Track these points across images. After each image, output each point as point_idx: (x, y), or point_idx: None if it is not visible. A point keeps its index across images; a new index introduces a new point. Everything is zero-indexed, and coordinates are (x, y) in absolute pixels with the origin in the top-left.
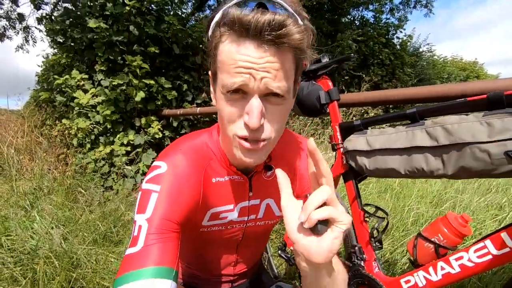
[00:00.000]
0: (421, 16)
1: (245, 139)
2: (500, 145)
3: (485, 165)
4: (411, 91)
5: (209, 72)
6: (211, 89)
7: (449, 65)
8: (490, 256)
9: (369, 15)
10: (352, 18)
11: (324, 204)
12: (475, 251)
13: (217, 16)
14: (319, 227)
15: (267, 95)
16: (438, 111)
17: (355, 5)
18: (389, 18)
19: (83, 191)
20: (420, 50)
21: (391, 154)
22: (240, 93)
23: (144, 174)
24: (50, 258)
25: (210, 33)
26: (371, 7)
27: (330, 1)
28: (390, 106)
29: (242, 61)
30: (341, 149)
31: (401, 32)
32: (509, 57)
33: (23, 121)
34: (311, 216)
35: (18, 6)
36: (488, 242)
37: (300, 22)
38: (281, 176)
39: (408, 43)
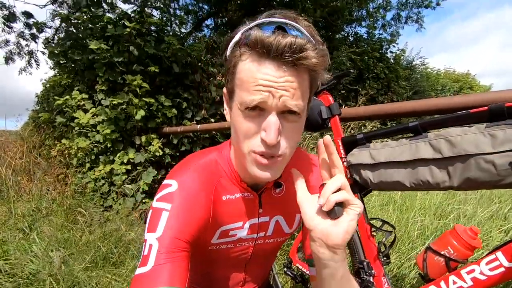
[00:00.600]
0: (413, 30)
1: (262, 155)
2: (505, 156)
3: (491, 176)
4: (411, 104)
5: (224, 90)
6: (225, 106)
7: (442, 77)
8: (502, 269)
9: (362, 31)
10: (346, 34)
11: (339, 190)
12: (487, 263)
13: (237, 37)
14: (337, 209)
15: (284, 113)
16: (440, 123)
17: (348, 22)
18: (382, 34)
19: (83, 211)
20: (414, 63)
21: (396, 167)
22: (257, 110)
23: (144, 192)
24: (51, 283)
25: (228, 52)
26: (364, 23)
27: (324, 19)
28: (387, 119)
29: (262, 79)
30: (345, 163)
31: (394, 46)
32: (501, 68)
33: (22, 142)
34: (330, 199)
35: (36, 42)
36: (499, 254)
37: (317, 46)
38: (296, 173)
39: (402, 57)
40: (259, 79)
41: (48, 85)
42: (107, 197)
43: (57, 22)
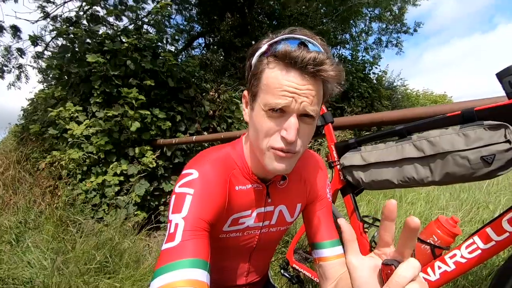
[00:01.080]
0: (394, 54)
1: (281, 150)
2: (476, 151)
3: (466, 170)
4: (397, 113)
5: (245, 93)
6: (244, 107)
7: (421, 98)
8: (479, 251)
9: (346, 53)
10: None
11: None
12: (466, 247)
13: (263, 48)
14: None
15: (302, 116)
16: (422, 127)
17: (333, 44)
18: (364, 56)
19: (78, 218)
20: (394, 84)
21: (385, 167)
22: (279, 112)
23: (136, 204)
24: None
25: (254, 60)
26: (348, 46)
27: None
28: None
29: (288, 86)
30: (338, 166)
31: (376, 68)
32: (475, 92)
33: (6, 155)
34: None
35: (22, 57)
36: (476, 238)
37: (334, 62)
38: (347, 231)
39: (384, 78)
40: (284, 85)
41: (37, 98)
42: (98, 209)
43: (48, 37)
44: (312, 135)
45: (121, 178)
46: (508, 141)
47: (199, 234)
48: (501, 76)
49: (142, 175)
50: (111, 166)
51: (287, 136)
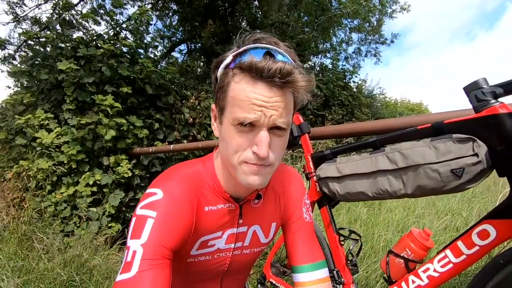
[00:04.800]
0: (373, 63)
1: (254, 164)
2: (446, 164)
3: (437, 183)
4: (371, 124)
5: (213, 106)
6: (213, 121)
7: (399, 105)
8: (451, 265)
9: (327, 61)
10: (313, 64)
11: None
12: (439, 261)
13: (228, 59)
14: None
15: (272, 129)
16: (394, 138)
17: (314, 53)
18: (345, 65)
19: (41, 236)
20: (374, 92)
21: (359, 179)
22: (249, 126)
23: (110, 215)
24: None
25: (219, 73)
26: (328, 55)
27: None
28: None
29: (255, 99)
30: (314, 177)
31: (356, 77)
32: (450, 102)
33: None
34: None
35: None
36: (448, 251)
37: (302, 71)
38: None
39: (363, 87)
40: (252, 98)
41: (5, 104)
42: (68, 222)
43: (18, 40)
44: (285, 147)
45: (94, 189)
46: (476, 155)
47: (159, 263)
48: (468, 90)
49: (116, 185)
50: (83, 176)
51: (259, 152)
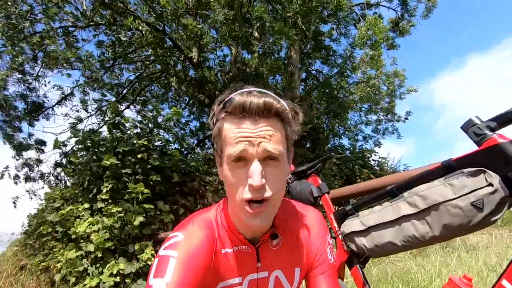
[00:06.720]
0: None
1: (250, 202)
2: (465, 198)
3: (461, 219)
4: (382, 180)
5: (215, 153)
6: (218, 165)
7: None
8: None
9: (345, 142)
10: (332, 146)
11: None
12: None
13: (215, 108)
14: None
15: (265, 159)
16: (411, 183)
17: (329, 137)
18: (362, 145)
19: None
20: (398, 169)
21: (385, 228)
22: (242, 161)
23: None
24: None
25: (213, 122)
26: (344, 136)
27: (308, 134)
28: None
29: (241, 132)
30: (340, 236)
31: (375, 155)
32: None
33: (7, 262)
34: None
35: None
36: None
37: (282, 101)
38: None
39: (385, 164)
40: (238, 133)
41: (49, 197)
42: None
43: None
44: (284, 179)
45: (117, 279)
46: (490, 184)
47: None
48: (465, 128)
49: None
50: (107, 266)
51: (252, 182)
